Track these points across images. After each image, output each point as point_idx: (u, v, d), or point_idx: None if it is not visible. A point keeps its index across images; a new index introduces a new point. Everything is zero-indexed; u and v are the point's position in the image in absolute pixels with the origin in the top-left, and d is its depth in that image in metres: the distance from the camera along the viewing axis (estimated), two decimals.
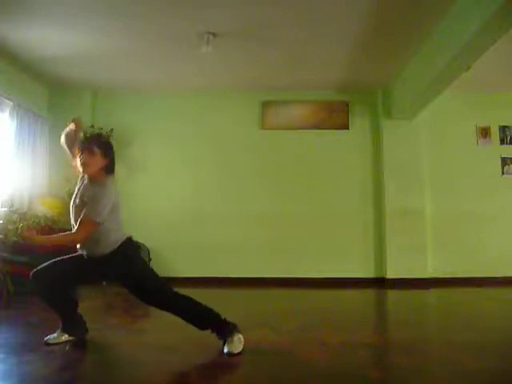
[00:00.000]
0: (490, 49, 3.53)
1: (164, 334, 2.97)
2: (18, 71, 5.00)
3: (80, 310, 2.75)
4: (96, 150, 2.55)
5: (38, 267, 2.60)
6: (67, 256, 2.71)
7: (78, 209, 2.52)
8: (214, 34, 4.08)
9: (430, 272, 5.36)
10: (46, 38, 4.26)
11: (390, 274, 5.34)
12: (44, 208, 4.92)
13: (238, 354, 2.45)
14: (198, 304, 2.58)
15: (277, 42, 4.33)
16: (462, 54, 3.64)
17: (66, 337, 2.62)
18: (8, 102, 4.80)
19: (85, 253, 2.63)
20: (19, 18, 3.83)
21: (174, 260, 5.36)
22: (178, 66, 4.99)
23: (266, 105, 5.77)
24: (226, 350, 2.46)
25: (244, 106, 5.78)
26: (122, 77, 5.36)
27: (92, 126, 5.55)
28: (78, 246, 2.65)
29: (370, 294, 5.04)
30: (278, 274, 5.37)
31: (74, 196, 2.62)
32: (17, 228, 4.52)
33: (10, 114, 4.82)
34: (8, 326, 3.24)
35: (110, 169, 2.63)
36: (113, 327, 3.15)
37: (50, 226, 4.88)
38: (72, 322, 2.67)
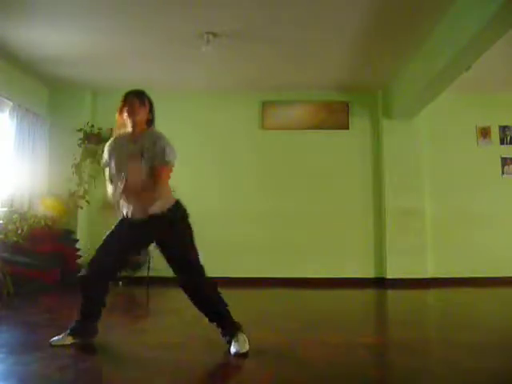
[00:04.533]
0: (490, 49, 3.54)
1: (165, 333, 2.97)
2: (18, 71, 5.00)
3: None
4: (146, 103, 2.62)
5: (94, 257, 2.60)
6: (109, 236, 2.61)
7: (137, 158, 2.50)
8: (214, 34, 4.08)
9: (429, 272, 5.37)
10: (47, 38, 4.26)
11: (390, 274, 5.34)
12: (44, 208, 4.93)
13: (246, 353, 2.42)
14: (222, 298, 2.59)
15: (277, 42, 4.33)
16: (462, 53, 3.64)
17: (70, 339, 2.56)
18: (8, 101, 4.80)
19: (137, 211, 2.51)
20: (19, 17, 3.83)
21: None
22: (178, 66, 4.99)
23: (266, 105, 5.77)
24: (233, 350, 2.43)
25: (244, 106, 5.78)
26: (122, 77, 5.36)
27: (92, 126, 5.55)
28: (135, 205, 2.52)
29: (370, 294, 5.04)
30: (277, 274, 5.37)
31: (120, 150, 2.57)
32: (17, 228, 4.52)
33: (9, 114, 4.82)
34: (8, 326, 3.24)
35: (150, 124, 2.66)
36: (113, 327, 3.15)
37: (50, 226, 4.89)
38: (90, 324, 2.63)
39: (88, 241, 5.59)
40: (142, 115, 2.60)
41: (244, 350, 2.42)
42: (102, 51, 4.57)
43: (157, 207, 2.51)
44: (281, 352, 2.53)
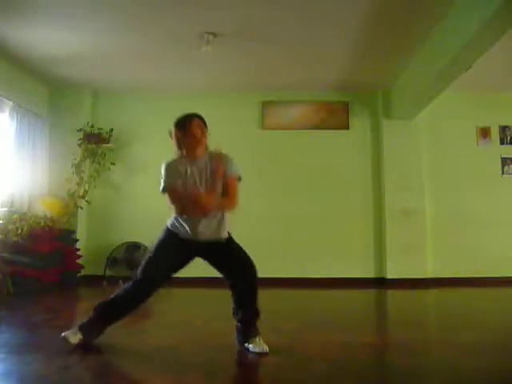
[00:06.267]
0: (490, 49, 3.54)
1: (164, 334, 2.97)
2: (18, 71, 5.00)
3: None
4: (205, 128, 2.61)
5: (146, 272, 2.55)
6: (164, 250, 2.60)
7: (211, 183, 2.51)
8: (214, 34, 4.08)
9: (430, 272, 5.37)
10: (46, 38, 4.26)
11: (390, 274, 5.34)
12: (44, 208, 4.94)
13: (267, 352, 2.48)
14: None
15: (277, 42, 4.33)
16: (462, 53, 3.64)
17: (80, 338, 2.51)
18: (8, 101, 4.80)
19: (202, 236, 2.53)
20: (19, 18, 3.83)
21: None
22: (178, 66, 4.99)
23: (266, 105, 5.77)
24: (256, 350, 2.49)
25: (244, 105, 5.78)
26: (122, 77, 5.37)
27: (92, 126, 5.55)
28: (200, 227, 2.51)
29: (370, 294, 5.04)
30: (277, 274, 5.36)
31: (191, 177, 2.52)
32: (17, 228, 4.52)
33: (9, 114, 4.82)
34: (8, 326, 3.24)
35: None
36: (113, 327, 3.15)
37: (50, 226, 4.89)
38: (100, 328, 2.61)
39: (88, 241, 5.61)
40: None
41: (266, 350, 2.48)
42: (102, 51, 4.57)
43: (225, 232, 2.60)
44: (281, 352, 2.53)
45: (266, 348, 2.48)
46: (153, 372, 2.21)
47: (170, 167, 2.59)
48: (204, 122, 2.63)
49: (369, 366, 2.42)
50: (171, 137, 2.63)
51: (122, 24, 3.99)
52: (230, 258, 2.66)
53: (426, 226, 5.45)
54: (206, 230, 2.53)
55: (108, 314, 2.60)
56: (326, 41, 4.30)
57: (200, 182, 2.52)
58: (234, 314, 2.64)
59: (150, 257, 2.59)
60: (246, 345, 2.53)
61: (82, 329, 2.55)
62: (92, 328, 2.57)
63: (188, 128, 2.56)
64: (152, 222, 5.53)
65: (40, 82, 5.45)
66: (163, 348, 2.60)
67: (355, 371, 2.25)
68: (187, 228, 2.55)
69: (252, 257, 2.79)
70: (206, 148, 2.61)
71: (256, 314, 2.61)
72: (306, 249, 5.49)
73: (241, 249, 2.69)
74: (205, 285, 5.00)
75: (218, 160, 2.53)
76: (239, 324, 2.61)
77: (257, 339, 2.53)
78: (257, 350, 2.48)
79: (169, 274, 2.61)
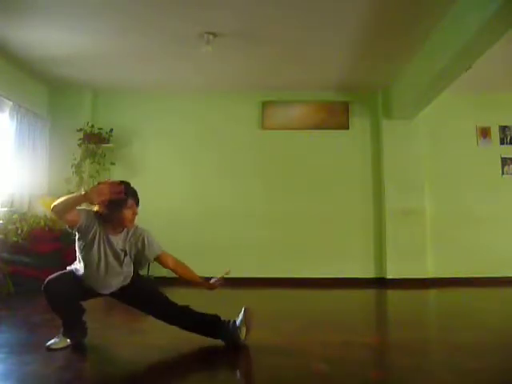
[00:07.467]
0: (490, 49, 3.54)
1: (164, 333, 2.96)
2: (18, 71, 5.00)
3: None
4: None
5: (51, 278, 2.53)
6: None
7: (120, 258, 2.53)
8: (214, 34, 4.08)
9: (430, 272, 5.37)
10: (46, 38, 4.26)
11: (390, 274, 5.34)
12: (44, 208, 4.93)
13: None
14: (202, 314, 2.65)
15: (277, 42, 4.33)
16: (461, 54, 3.64)
17: (68, 341, 2.57)
18: (8, 101, 4.80)
19: (109, 291, 2.60)
20: (19, 18, 3.83)
21: None
22: (178, 66, 4.99)
23: (266, 105, 5.77)
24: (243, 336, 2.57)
25: (244, 105, 5.78)
26: (122, 77, 5.37)
27: (92, 126, 5.55)
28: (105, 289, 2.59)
29: (370, 294, 5.04)
30: (277, 274, 5.37)
31: (107, 251, 2.51)
32: (17, 228, 4.52)
33: (9, 114, 4.82)
34: (8, 326, 3.24)
35: None
36: (113, 327, 3.15)
37: (50, 226, 4.89)
38: (75, 328, 2.62)
39: None
40: None
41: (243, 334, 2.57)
42: (102, 51, 4.57)
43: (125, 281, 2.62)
44: (281, 352, 2.53)
45: (243, 333, 2.56)
46: (152, 372, 2.21)
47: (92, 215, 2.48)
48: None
49: (369, 365, 2.42)
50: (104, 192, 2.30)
51: (122, 24, 3.99)
52: (139, 292, 2.69)
53: (426, 225, 5.45)
54: (105, 287, 2.57)
55: (63, 313, 2.61)
56: (326, 41, 4.29)
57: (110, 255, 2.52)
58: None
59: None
60: (242, 341, 2.54)
61: (65, 334, 2.58)
62: (72, 329, 2.59)
63: (137, 206, 2.55)
64: (151, 221, 5.56)
65: (40, 82, 5.45)
66: (162, 348, 2.60)
67: (355, 371, 2.25)
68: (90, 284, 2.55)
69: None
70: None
71: (212, 320, 2.62)
72: (307, 249, 5.49)
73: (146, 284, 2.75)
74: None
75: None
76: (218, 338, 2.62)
77: (242, 330, 2.56)
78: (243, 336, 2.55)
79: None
